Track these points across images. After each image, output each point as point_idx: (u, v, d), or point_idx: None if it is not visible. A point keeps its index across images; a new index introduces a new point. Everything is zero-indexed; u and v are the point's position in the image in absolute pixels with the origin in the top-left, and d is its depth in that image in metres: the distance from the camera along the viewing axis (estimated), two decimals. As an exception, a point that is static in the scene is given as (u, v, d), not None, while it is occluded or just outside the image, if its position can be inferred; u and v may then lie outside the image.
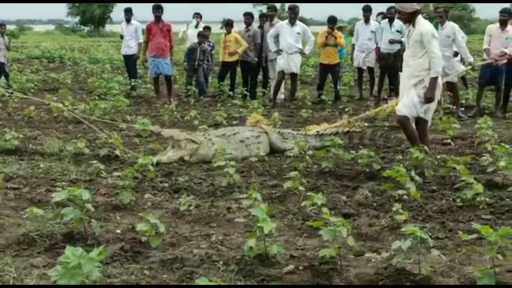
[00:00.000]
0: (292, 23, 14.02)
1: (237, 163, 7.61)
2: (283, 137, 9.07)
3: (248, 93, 14.61)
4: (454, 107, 12.44)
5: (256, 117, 9.54)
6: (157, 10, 14.38)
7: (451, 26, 12.07)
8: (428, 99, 7.62)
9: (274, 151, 8.86)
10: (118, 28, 16.96)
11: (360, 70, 15.58)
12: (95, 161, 7.56)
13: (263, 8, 48.71)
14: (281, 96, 14.63)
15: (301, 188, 6.41)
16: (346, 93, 16.08)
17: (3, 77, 16.54)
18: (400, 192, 6.17)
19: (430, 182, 7.00)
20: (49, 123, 11.26)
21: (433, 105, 7.96)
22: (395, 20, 13.60)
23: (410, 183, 6.14)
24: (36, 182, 6.92)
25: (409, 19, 7.77)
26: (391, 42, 13.72)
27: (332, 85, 15.43)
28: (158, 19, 14.41)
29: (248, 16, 15.14)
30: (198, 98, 14.65)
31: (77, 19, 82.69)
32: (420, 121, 7.87)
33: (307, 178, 7.18)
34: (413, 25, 7.71)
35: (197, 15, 17.63)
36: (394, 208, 5.44)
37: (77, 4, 79.92)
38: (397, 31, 13.68)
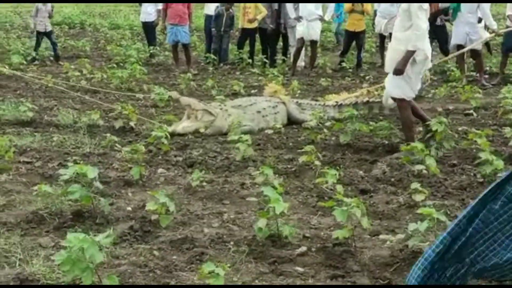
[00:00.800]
0: (312, -11, 13.68)
1: (253, 135, 7.48)
2: (301, 108, 8.89)
3: (267, 61, 14.37)
4: (478, 75, 12.13)
5: (273, 87, 9.37)
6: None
7: (476, -9, 11.72)
8: (396, 70, 6.74)
9: (291, 122, 8.70)
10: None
11: (382, 37, 15.22)
12: (109, 134, 7.47)
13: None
14: (301, 63, 14.39)
15: (317, 162, 6.24)
16: (367, 60, 15.78)
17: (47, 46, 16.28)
18: (419, 167, 5.99)
19: (450, 156, 6.81)
20: (66, 92, 11.12)
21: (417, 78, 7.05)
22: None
23: (429, 158, 5.95)
24: (49, 156, 6.79)
25: None
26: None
27: (354, 52, 15.15)
28: (175, -15, 14.12)
29: None
30: (217, 65, 14.44)
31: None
32: None
33: (324, 151, 7.03)
34: None
35: None
36: (412, 186, 5.25)
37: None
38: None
